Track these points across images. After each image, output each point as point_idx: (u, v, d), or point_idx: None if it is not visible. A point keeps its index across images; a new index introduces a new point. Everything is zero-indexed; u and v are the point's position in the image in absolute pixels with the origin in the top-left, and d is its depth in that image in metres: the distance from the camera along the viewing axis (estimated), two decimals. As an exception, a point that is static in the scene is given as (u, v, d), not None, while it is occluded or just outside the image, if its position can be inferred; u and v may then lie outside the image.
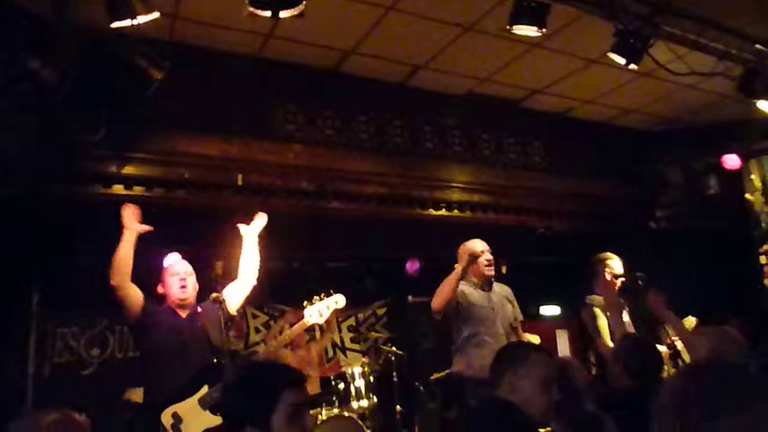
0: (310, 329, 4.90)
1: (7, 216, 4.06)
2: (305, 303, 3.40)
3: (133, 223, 3.10)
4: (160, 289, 3.25)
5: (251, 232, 3.37)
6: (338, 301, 3.46)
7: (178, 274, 3.24)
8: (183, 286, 3.20)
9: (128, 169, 3.87)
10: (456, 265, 3.55)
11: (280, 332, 4.75)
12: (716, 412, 0.99)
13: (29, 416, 1.59)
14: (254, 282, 3.33)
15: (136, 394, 3.68)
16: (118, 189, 3.92)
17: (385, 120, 4.86)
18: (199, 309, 3.21)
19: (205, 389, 2.91)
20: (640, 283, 3.71)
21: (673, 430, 1.02)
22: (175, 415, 2.82)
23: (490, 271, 3.65)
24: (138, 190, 3.97)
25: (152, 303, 3.13)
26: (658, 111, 5.81)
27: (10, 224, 4.27)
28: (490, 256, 3.68)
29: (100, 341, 5.66)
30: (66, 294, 5.22)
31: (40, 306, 5.26)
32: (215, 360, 2.98)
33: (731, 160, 5.82)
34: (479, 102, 5.32)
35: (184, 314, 3.20)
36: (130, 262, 3.05)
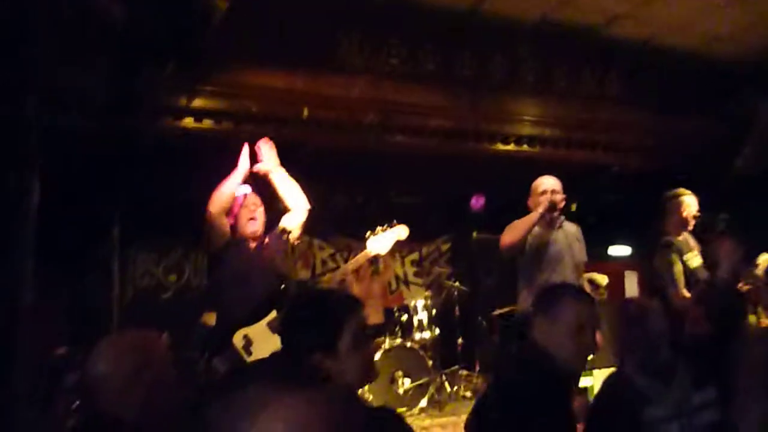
0: (374, 261, 4.96)
1: (86, 148, 4.26)
2: (368, 233, 3.39)
3: (248, 161, 3.17)
4: (231, 221, 3.32)
5: (268, 165, 3.33)
6: (401, 232, 3.40)
7: (248, 207, 3.29)
8: (252, 219, 3.26)
9: (197, 102, 3.93)
10: (535, 209, 3.45)
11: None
12: None
13: (112, 336, 1.68)
14: (307, 206, 3.33)
15: (211, 318, 3.89)
16: (189, 122, 4.00)
17: (453, 50, 4.66)
18: (267, 240, 3.29)
19: (273, 314, 3.03)
20: (722, 225, 3.49)
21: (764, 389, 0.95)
22: (245, 337, 2.98)
23: (561, 203, 3.55)
24: (207, 123, 4.04)
25: (232, 236, 3.24)
26: (752, 39, 5.30)
27: (91, 156, 4.49)
28: (562, 196, 3.56)
29: (177, 268, 5.98)
30: (145, 223, 5.49)
31: (121, 233, 5.59)
32: (282, 287, 3.10)
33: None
34: (553, 30, 5.01)
35: (253, 244, 3.29)
36: (233, 195, 3.17)
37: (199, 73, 3.92)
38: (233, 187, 3.16)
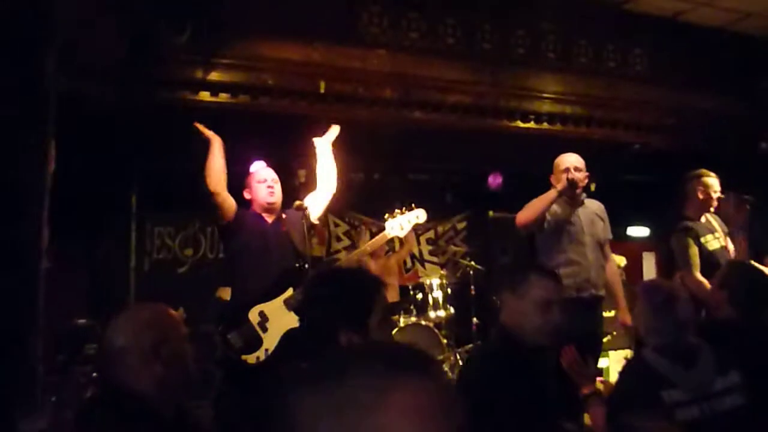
0: (390, 241, 4.95)
1: (104, 117, 4.25)
2: (386, 215, 3.37)
3: (213, 135, 3.22)
4: (246, 195, 3.33)
5: (324, 143, 3.35)
6: (419, 215, 3.38)
7: (266, 180, 3.29)
8: (271, 191, 3.27)
9: (214, 75, 3.88)
10: (553, 187, 3.38)
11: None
12: None
13: (131, 310, 1.68)
14: (333, 191, 3.34)
15: (227, 293, 3.91)
16: (205, 95, 3.96)
17: (474, 23, 4.55)
18: (284, 215, 3.27)
19: (290, 291, 3.02)
20: (748, 206, 3.41)
21: None
22: (261, 314, 2.97)
23: (582, 182, 3.48)
24: (223, 96, 4.00)
25: (241, 209, 3.23)
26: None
27: (108, 126, 4.49)
28: (584, 174, 3.49)
29: (193, 242, 6.01)
30: (161, 196, 5.51)
31: (138, 206, 5.61)
32: (298, 264, 3.07)
33: None
34: (577, 4, 4.87)
35: (270, 219, 3.28)
36: (224, 168, 3.16)
37: (216, 43, 3.87)
38: (220, 160, 3.16)
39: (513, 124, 4.84)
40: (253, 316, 2.98)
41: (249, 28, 4.00)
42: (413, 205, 3.39)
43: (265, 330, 2.96)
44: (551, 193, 3.36)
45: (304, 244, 3.06)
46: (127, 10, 3.63)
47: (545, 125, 4.90)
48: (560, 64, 4.87)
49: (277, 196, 3.29)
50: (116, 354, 1.64)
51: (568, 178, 3.37)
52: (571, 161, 3.50)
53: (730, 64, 5.48)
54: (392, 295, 5.67)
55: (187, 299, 5.57)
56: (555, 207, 3.42)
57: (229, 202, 3.16)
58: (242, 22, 3.95)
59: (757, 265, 2.56)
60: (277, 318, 2.96)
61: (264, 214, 3.27)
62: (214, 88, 3.96)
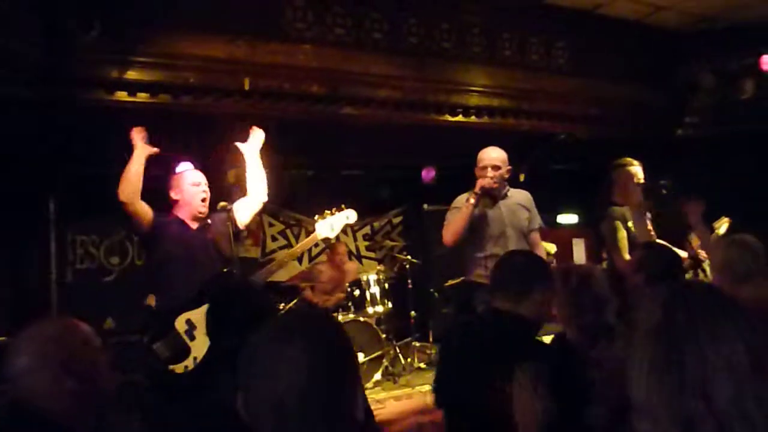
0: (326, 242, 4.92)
1: (17, 120, 4.00)
2: (316, 217, 3.32)
3: (142, 143, 3.05)
4: (174, 195, 3.15)
5: (250, 148, 3.26)
6: (349, 216, 3.32)
7: (200, 184, 3.16)
8: (204, 199, 3.14)
9: (131, 74, 3.70)
10: (472, 192, 3.37)
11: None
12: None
13: (31, 329, 1.56)
14: (265, 199, 3.27)
15: (153, 300, 3.75)
16: (122, 95, 3.78)
17: (399, 17, 4.54)
18: (209, 221, 3.17)
19: (217, 299, 2.92)
20: (663, 191, 3.57)
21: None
22: (188, 322, 2.84)
23: (495, 184, 3.46)
24: (142, 96, 3.82)
25: (160, 216, 3.08)
26: (693, 8, 5.39)
27: (22, 130, 4.22)
28: (504, 170, 3.48)
29: (120, 250, 5.76)
30: (82, 202, 5.24)
31: (57, 213, 5.32)
32: (226, 270, 2.96)
33: (770, 62, 5.44)
34: (499, -2, 4.96)
35: (194, 226, 3.15)
36: (140, 179, 3.00)
37: (132, 41, 3.70)
38: (139, 170, 3.00)
39: (442, 118, 4.87)
40: (180, 324, 2.85)
41: (168, 25, 3.84)
42: (343, 206, 3.34)
43: (192, 338, 2.84)
44: (464, 210, 3.33)
45: (230, 248, 2.95)
46: (39, 8, 3.43)
47: (473, 118, 4.96)
48: (485, 56, 4.94)
49: (207, 204, 3.17)
50: (23, 375, 1.54)
51: (475, 192, 3.35)
52: (490, 158, 3.47)
53: (647, 56, 5.73)
54: (341, 299, 5.61)
55: (116, 309, 5.36)
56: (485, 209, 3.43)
57: (144, 211, 3.00)
58: (160, 19, 3.79)
59: (669, 246, 2.68)
60: (204, 325, 2.85)
61: (188, 221, 3.13)
62: (132, 87, 3.78)
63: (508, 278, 2.07)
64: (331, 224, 3.27)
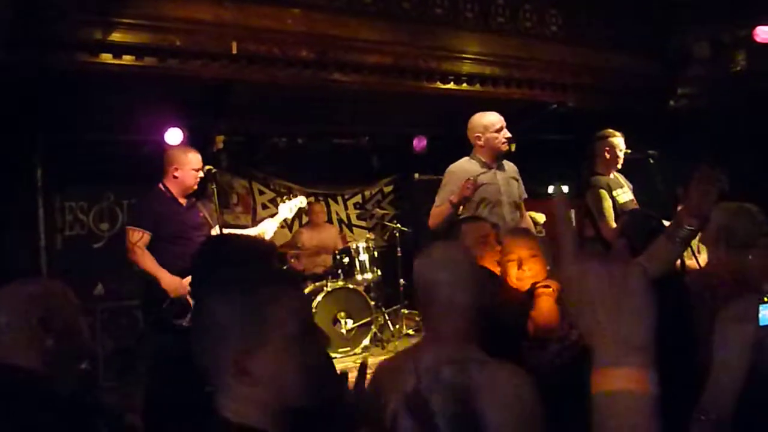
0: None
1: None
2: (279, 200, 4.06)
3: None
4: (176, 174, 3.35)
5: (286, 211, 3.77)
6: (302, 201, 3.92)
7: (199, 170, 3.39)
8: (198, 179, 3.42)
9: (115, 36, 3.63)
10: (450, 198, 3.31)
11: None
12: None
13: (9, 286, 1.56)
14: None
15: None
16: (107, 58, 3.71)
17: (391, -18, 4.47)
18: (200, 204, 3.44)
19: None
20: (651, 161, 3.57)
21: None
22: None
23: (505, 146, 3.50)
24: (128, 59, 3.76)
25: (153, 214, 3.28)
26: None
27: (3, 95, 4.14)
28: (507, 133, 3.50)
29: (109, 215, 5.72)
30: (70, 168, 5.20)
31: (45, 180, 5.26)
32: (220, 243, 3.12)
33: (764, 33, 5.39)
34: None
35: (184, 202, 3.38)
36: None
37: (117, 2, 3.62)
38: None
39: (433, 86, 4.82)
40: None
41: (153, -15, 3.76)
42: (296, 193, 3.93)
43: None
44: (448, 208, 3.32)
45: (217, 216, 3.29)
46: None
47: (465, 86, 4.91)
48: (478, 23, 4.87)
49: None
50: (1, 332, 1.55)
51: (453, 200, 3.31)
52: (501, 120, 3.50)
53: (641, 24, 5.66)
54: (328, 262, 5.69)
55: (106, 275, 5.35)
56: (482, 177, 3.42)
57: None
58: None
59: (652, 213, 2.69)
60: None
61: (180, 198, 3.37)
62: (117, 49, 3.71)
63: None
64: (290, 207, 3.78)
